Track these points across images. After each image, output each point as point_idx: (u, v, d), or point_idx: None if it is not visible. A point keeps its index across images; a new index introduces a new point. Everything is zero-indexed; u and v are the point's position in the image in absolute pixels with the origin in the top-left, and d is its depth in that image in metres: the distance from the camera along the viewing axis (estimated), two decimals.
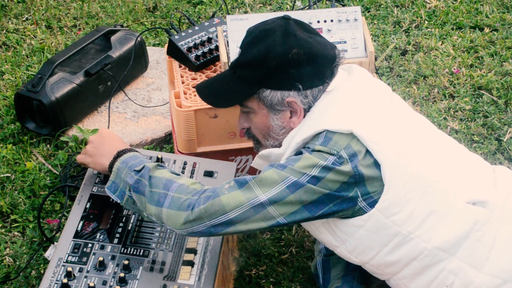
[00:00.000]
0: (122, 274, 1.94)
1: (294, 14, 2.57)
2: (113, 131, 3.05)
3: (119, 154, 2.07)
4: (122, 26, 3.33)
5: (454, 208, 1.94)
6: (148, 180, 1.94)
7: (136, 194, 1.96)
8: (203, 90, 2.13)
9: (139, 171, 1.97)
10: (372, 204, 1.92)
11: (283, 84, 1.98)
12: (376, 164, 1.90)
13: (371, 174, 1.90)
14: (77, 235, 2.06)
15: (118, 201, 2.01)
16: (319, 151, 1.89)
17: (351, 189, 1.90)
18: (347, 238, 1.99)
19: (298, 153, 1.95)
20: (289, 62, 1.96)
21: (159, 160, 2.29)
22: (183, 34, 2.75)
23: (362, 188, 1.91)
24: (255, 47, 2.00)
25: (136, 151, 2.09)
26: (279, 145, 2.05)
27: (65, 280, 1.92)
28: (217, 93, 2.10)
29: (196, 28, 2.78)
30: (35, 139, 3.04)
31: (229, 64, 2.37)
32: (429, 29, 3.67)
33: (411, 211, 1.92)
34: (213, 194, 1.89)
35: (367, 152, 1.90)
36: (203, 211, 1.87)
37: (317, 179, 1.87)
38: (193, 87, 2.63)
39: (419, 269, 1.97)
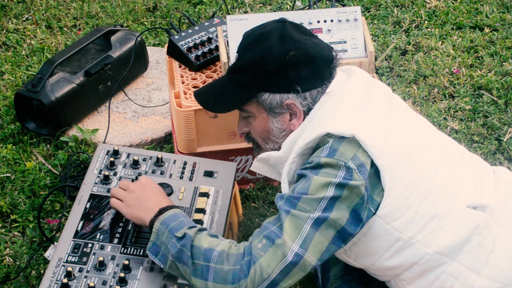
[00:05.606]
0: (122, 274, 1.94)
1: (294, 14, 2.57)
2: (113, 131, 3.05)
3: (160, 212, 1.95)
4: (122, 26, 3.33)
5: (455, 212, 1.93)
6: (190, 250, 1.85)
7: (179, 264, 1.87)
8: (201, 96, 2.12)
9: (180, 238, 1.87)
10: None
11: (282, 87, 1.97)
12: (377, 171, 1.89)
13: (375, 182, 1.89)
14: (77, 235, 2.06)
15: (161, 266, 1.92)
16: (325, 164, 1.86)
17: (365, 202, 1.87)
18: (349, 246, 1.99)
19: (301, 175, 1.90)
20: (287, 64, 1.95)
21: (159, 160, 2.29)
22: (183, 34, 2.75)
23: (370, 198, 1.89)
24: (252, 51, 1.98)
25: (177, 208, 1.97)
26: (279, 148, 2.04)
27: (65, 280, 1.92)
28: (216, 98, 2.08)
29: (196, 28, 2.78)
30: (35, 139, 3.04)
31: (229, 64, 2.36)
32: (429, 29, 3.67)
33: (412, 216, 1.91)
34: (251, 258, 1.81)
35: (372, 162, 1.88)
36: (249, 283, 1.81)
37: (335, 200, 1.83)
38: (193, 87, 2.63)
39: (419, 272, 1.96)
